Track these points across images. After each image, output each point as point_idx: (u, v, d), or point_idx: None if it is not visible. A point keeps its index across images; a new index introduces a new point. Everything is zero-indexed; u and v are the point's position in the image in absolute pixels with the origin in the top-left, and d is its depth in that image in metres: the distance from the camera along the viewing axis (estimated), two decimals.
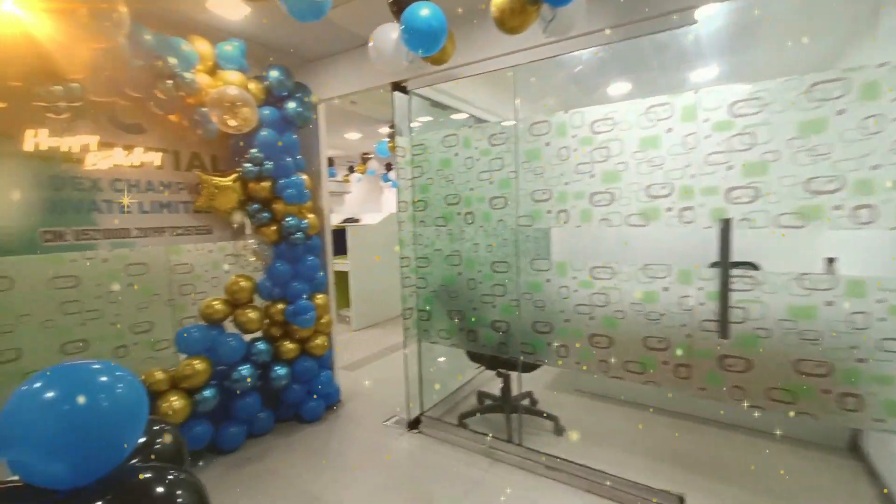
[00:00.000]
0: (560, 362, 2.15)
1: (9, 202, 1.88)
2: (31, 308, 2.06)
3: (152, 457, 0.79)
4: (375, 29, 1.72)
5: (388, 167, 7.76)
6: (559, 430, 2.55)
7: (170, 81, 2.05)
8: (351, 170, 8.42)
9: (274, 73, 2.54)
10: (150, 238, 2.35)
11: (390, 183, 8.36)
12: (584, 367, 2.07)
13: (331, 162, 8.15)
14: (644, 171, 1.83)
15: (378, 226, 5.40)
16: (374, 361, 3.99)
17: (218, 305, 2.46)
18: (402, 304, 2.68)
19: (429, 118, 2.82)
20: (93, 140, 2.13)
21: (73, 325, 2.20)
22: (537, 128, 2.10)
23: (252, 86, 2.45)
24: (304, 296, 2.69)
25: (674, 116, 1.76)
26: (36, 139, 1.94)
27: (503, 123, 2.24)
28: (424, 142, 2.53)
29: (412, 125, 2.62)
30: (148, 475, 0.69)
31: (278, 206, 2.61)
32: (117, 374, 0.74)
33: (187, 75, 2.12)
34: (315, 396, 2.78)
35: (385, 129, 5.51)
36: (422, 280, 2.64)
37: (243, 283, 2.55)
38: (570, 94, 3.49)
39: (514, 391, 2.62)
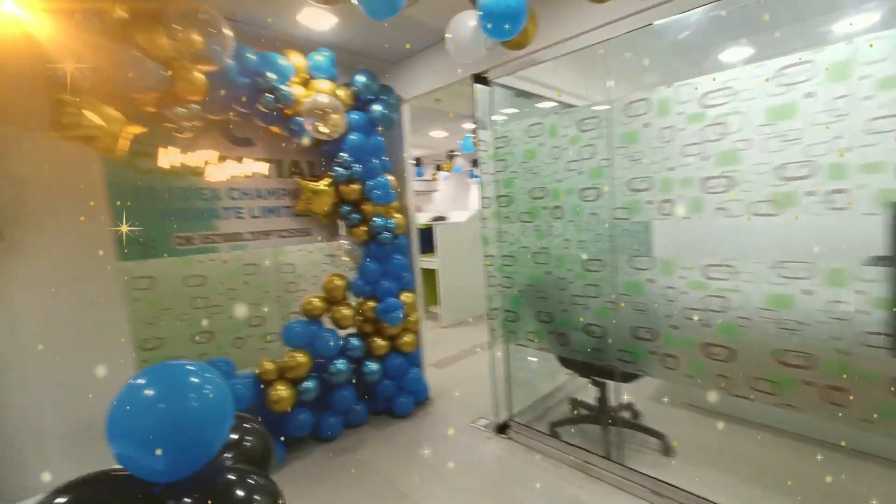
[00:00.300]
0: (668, 373, 1.89)
1: (151, 212, 2.20)
2: (169, 303, 2.40)
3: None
4: (452, 19, 1.66)
5: (475, 163, 7.74)
6: (667, 450, 2.26)
7: (270, 95, 2.23)
8: (438, 168, 8.57)
9: (360, 78, 2.63)
10: (258, 241, 2.60)
11: (476, 179, 8.32)
12: (698, 382, 1.79)
13: (418, 161, 8.38)
14: (774, 149, 1.51)
15: (466, 223, 5.39)
16: (462, 359, 3.98)
17: (316, 302, 2.63)
18: (487, 303, 2.60)
19: (513, 109, 2.69)
20: (212, 155, 2.41)
21: (201, 319, 2.52)
22: (634, 107, 1.86)
23: (340, 92, 2.56)
24: (393, 294, 2.76)
25: (816, 77, 1.42)
26: (168, 156, 2.26)
27: (593, 108, 2.03)
28: (507, 133, 2.41)
29: (495, 118, 2.52)
30: (231, 477, 0.71)
31: (367, 207, 2.71)
32: (206, 375, 0.78)
33: (284, 88, 2.28)
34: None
35: (470, 125, 5.47)
36: (507, 279, 2.53)
37: (338, 282, 2.69)
38: (672, 68, 3.07)
39: (612, 402, 2.39)
